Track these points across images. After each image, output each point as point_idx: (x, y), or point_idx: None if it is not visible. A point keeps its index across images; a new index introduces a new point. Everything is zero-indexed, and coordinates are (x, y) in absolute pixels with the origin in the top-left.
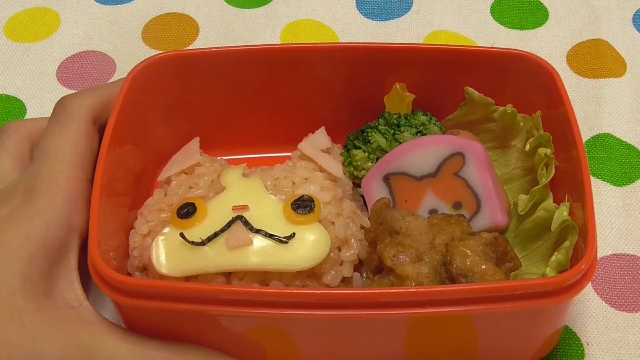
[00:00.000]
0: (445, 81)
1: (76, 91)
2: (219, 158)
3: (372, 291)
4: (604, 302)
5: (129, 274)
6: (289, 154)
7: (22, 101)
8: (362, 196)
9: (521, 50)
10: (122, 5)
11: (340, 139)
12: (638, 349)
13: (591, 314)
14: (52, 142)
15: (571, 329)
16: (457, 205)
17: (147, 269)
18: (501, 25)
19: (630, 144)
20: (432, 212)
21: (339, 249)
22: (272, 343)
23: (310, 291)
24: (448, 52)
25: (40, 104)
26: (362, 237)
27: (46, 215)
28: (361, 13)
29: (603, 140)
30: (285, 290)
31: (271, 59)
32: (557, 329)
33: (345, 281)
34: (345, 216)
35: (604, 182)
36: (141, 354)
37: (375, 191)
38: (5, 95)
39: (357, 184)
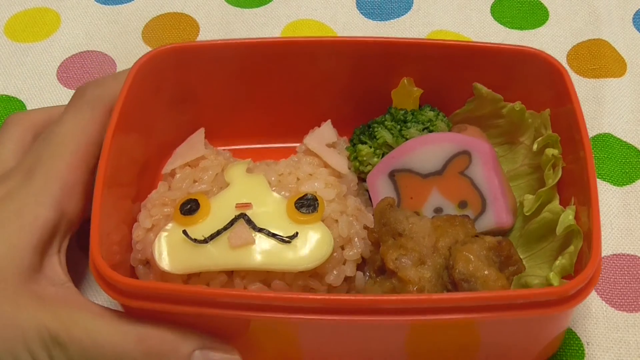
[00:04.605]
0: (453, 76)
1: (98, 79)
2: (224, 150)
3: (373, 298)
4: (604, 302)
5: (132, 267)
6: (295, 144)
7: (22, 101)
8: (368, 190)
9: (530, 47)
10: (122, 5)
11: (346, 131)
12: (638, 349)
13: (591, 314)
14: (61, 127)
15: (571, 329)
16: (463, 205)
17: (149, 263)
18: (501, 25)
19: (630, 144)
20: (437, 210)
21: (342, 248)
22: (273, 343)
23: (311, 297)
24: (457, 47)
25: (40, 104)
26: (365, 235)
27: (40, 196)
28: (361, 13)
29: (603, 140)
30: (285, 295)
31: (277, 52)
32: (560, 332)
33: (348, 280)
34: (349, 214)
35: (604, 182)
36: (116, 329)
37: (381, 187)
38: (5, 95)
39: (362, 179)
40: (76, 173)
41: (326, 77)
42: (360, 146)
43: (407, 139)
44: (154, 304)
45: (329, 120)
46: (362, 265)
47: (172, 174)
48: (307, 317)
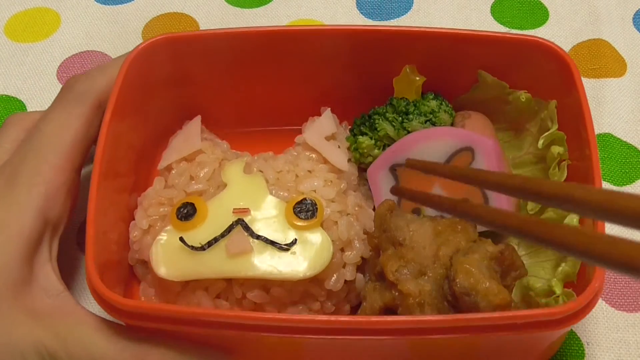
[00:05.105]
0: (458, 64)
1: (86, 72)
2: (221, 139)
3: (370, 320)
4: (604, 302)
5: (131, 266)
6: (294, 127)
7: (22, 101)
8: (368, 180)
9: (537, 37)
10: (122, 5)
11: (347, 116)
12: (638, 349)
13: (591, 314)
14: (47, 125)
15: (571, 329)
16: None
17: (147, 263)
18: (501, 25)
19: (630, 144)
20: None
21: (342, 250)
22: (275, 354)
23: (306, 318)
24: (463, 36)
25: (40, 104)
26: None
27: (23, 205)
28: (361, 13)
29: (603, 140)
30: (282, 317)
31: (275, 41)
32: (561, 335)
33: (348, 283)
34: (349, 212)
35: (604, 182)
36: (114, 345)
37: (382, 181)
38: (5, 95)
39: (362, 169)
40: (61, 175)
41: (327, 62)
42: (361, 138)
43: (408, 132)
44: (152, 323)
45: (329, 110)
46: (362, 266)
47: (169, 168)
48: (304, 336)
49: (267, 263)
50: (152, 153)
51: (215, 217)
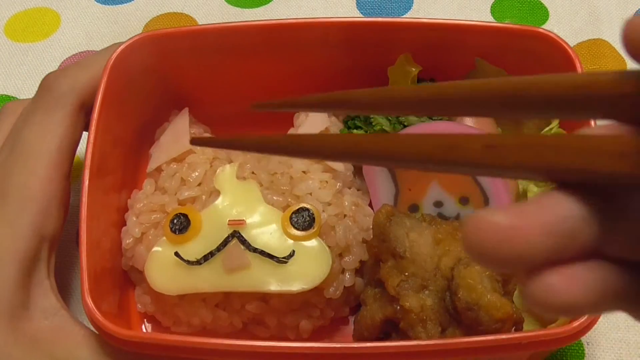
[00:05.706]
0: (457, 55)
1: (64, 69)
2: (211, 135)
3: (375, 345)
4: None
5: (124, 272)
6: (285, 117)
7: None
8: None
9: (540, 28)
10: (122, 5)
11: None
12: (638, 349)
13: None
14: (30, 132)
15: None
16: (464, 200)
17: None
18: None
19: None
20: (438, 204)
21: (340, 255)
22: None
23: (317, 345)
24: (463, 27)
25: None
26: (364, 235)
27: (16, 226)
28: (362, 13)
29: None
30: (281, 345)
31: (269, 34)
32: None
33: (347, 288)
34: (346, 212)
35: None
36: None
37: (378, 178)
38: (5, 95)
39: None
40: (51, 186)
41: (319, 53)
42: (355, 133)
43: (405, 126)
44: (149, 351)
45: None
46: (360, 268)
47: (158, 169)
48: None
49: (265, 277)
50: (139, 147)
51: (209, 229)
